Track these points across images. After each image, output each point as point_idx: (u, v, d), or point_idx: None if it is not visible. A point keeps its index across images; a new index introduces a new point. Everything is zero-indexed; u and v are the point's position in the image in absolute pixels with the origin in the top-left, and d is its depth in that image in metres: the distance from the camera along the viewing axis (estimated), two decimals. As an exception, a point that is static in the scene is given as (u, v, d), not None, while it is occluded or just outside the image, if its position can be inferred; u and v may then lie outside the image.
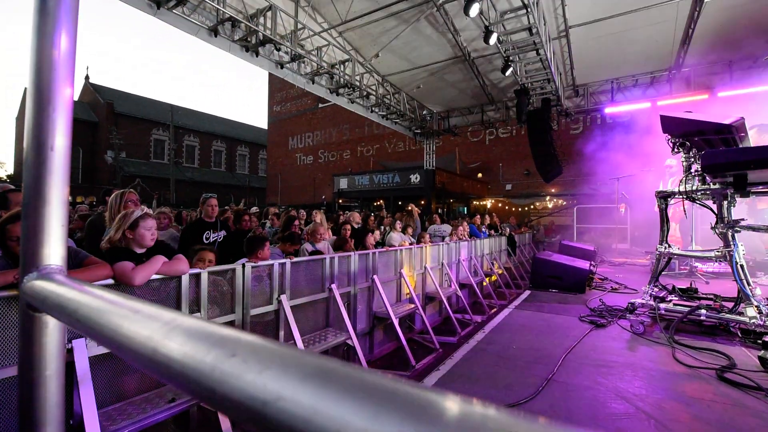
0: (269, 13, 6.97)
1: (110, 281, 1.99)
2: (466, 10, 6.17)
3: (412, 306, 4.39)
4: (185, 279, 2.37)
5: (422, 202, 14.98)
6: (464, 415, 0.16)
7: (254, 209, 8.03)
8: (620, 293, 4.93)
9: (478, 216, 9.14)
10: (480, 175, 19.80)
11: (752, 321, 2.65)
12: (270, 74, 25.73)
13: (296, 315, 3.14)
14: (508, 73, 7.93)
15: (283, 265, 3.09)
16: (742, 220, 2.92)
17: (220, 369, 0.21)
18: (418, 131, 13.65)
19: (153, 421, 1.91)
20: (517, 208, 18.52)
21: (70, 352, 1.80)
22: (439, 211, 13.88)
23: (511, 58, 7.76)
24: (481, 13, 6.30)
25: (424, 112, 13.44)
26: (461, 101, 12.29)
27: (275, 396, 0.18)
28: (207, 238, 3.50)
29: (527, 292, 5.29)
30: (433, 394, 0.16)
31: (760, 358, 2.30)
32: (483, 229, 8.78)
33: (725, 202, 2.92)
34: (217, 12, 6.54)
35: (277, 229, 4.78)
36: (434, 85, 10.92)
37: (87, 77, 29.41)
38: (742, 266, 2.94)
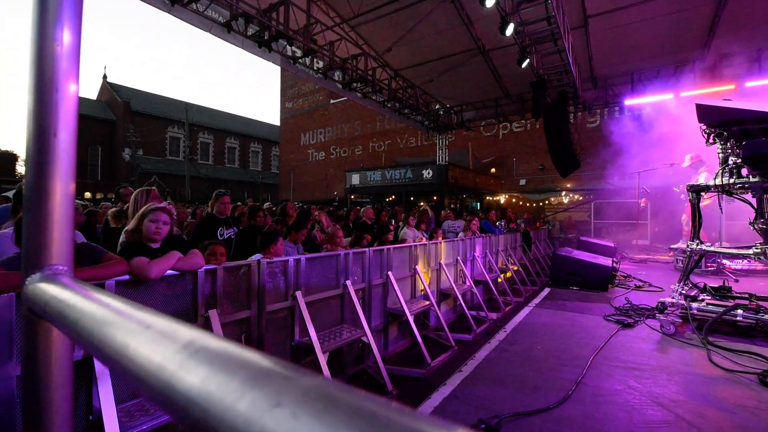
0: (282, 8, 6.93)
1: (127, 277, 1.98)
2: (482, 0, 6.01)
3: (427, 303, 4.32)
4: (201, 275, 2.35)
5: (435, 198, 14.84)
6: None
7: (267, 205, 8.06)
8: (645, 291, 4.75)
9: (493, 211, 8.98)
10: (493, 170, 19.51)
11: (794, 322, 2.49)
12: (282, 70, 25.82)
13: (311, 311, 3.10)
14: (524, 65, 7.71)
15: (298, 261, 3.06)
16: (783, 214, 2.75)
17: (258, 424, 0.15)
18: (431, 126, 13.50)
19: (168, 419, 1.89)
20: (532, 204, 18.19)
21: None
22: (452, 206, 13.71)
23: (527, 49, 7.55)
24: (497, 2, 6.12)
25: (436, 107, 13.27)
26: (475, 95, 12.08)
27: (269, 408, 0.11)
28: (221, 235, 3.49)
29: (547, 290, 5.15)
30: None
31: (804, 362, 2.16)
32: (498, 225, 8.62)
33: (766, 196, 2.75)
34: (230, 7, 6.53)
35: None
36: (447, 78, 10.74)
37: (105, 76, 30.03)
38: (781, 264, 2.77)
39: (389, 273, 4.04)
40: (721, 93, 9.10)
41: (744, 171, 2.84)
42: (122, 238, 2.35)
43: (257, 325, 2.74)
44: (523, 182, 19.10)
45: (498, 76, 10.73)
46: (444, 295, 5.07)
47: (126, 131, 25.97)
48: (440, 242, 5.23)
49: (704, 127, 2.88)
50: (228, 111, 47.18)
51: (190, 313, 2.37)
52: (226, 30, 6.64)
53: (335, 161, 25.95)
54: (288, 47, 7.80)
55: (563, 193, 17.74)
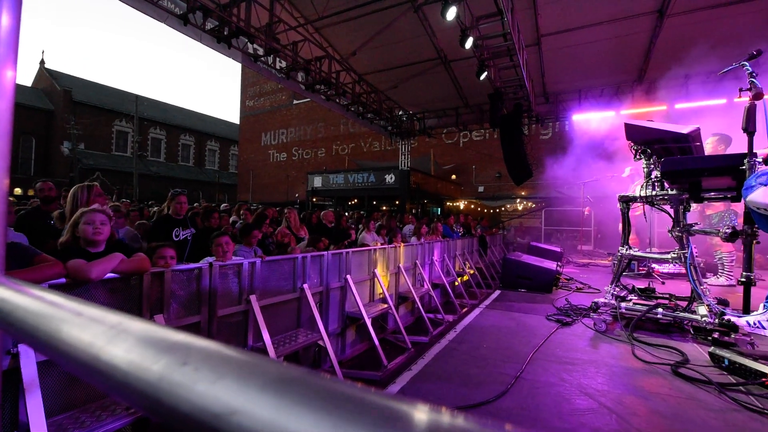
0: (243, 4, 6.77)
1: (63, 281, 1.86)
2: (443, 13, 6.24)
3: (385, 306, 4.38)
4: (147, 279, 2.25)
5: (397, 203, 15.05)
6: (433, 426, 0.14)
7: (224, 205, 7.78)
8: (584, 293, 5.14)
9: (452, 216, 9.28)
10: (454, 176, 20.13)
11: (703, 319, 2.83)
12: (243, 68, 25.03)
13: (266, 315, 3.05)
14: (482, 77, 8.08)
15: (253, 264, 3.00)
16: (696, 224, 3.12)
17: (168, 379, 0.19)
18: (394, 131, 13.70)
19: (108, 429, 1.79)
20: (489, 210, 18.97)
21: (16, 357, 1.65)
22: (414, 211, 13.98)
23: (486, 62, 7.92)
24: (458, 16, 6.38)
25: (399, 113, 13.50)
26: (437, 103, 12.44)
27: (229, 409, 0.16)
28: (176, 236, 3.35)
29: (497, 292, 5.42)
30: (402, 405, 0.15)
31: (710, 353, 2.46)
32: (456, 230, 8.93)
33: (681, 207, 3.11)
34: (187, -1, 6.28)
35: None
36: (410, 85, 10.99)
37: (42, 62, 27.49)
38: (695, 267, 3.14)
39: (348, 276, 4.06)
40: (654, 113, 10.08)
41: (666, 184, 3.19)
42: (62, 238, 2.19)
43: (208, 330, 2.66)
44: (481, 189, 19.87)
45: (459, 87, 11.14)
46: (402, 298, 5.17)
47: (66, 123, 23.86)
48: (399, 246, 5.34)
49: (632, 144, 3.21)
50: (183, 106, 44.74)
51: (134, 318, 2.26)
52: (183, 22, 6.37)
53: (297, 163, 25.51)
54: (249, 44, 7.62)
55: (518, 200, 18.67)
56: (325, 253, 3.84)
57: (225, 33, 6.81)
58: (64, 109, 25.14)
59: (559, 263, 6.54)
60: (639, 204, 3.50)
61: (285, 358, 3.05)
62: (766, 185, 2.16)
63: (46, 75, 27.04)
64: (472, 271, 7.28)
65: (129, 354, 0.22)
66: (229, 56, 7.73)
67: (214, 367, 0.19)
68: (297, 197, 21.29)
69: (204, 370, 0.18)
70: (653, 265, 6.25)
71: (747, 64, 2.69)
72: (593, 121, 11.23)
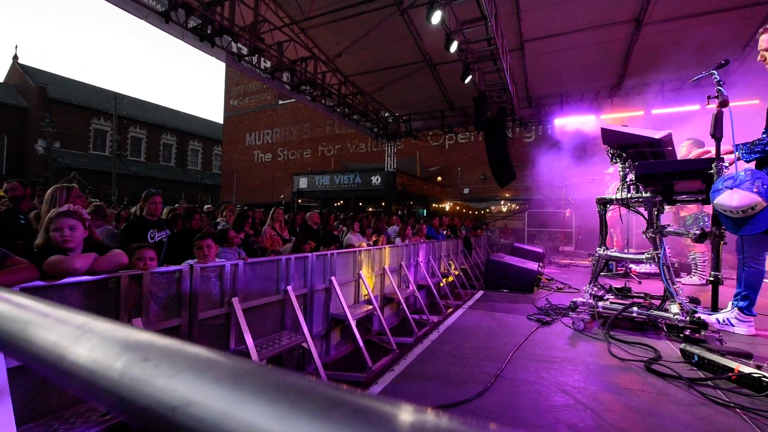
0: (227, 3, 6.69)
1: (38, 283, 1.80)
2: (428, 17, 6.31)
3: (370, 307, 4.39)
4: (124, 281, 2.21)
5: (383, 204, 15.08)
6: (370, 408, 0.16)
7: (208, 207, 7.66)
8: (565, 293, 5.26)
9: (437, 218, 9.37)
10: (440, 178, 20.30)
11: (675, 317, 2.94)
12: (227, 67, 24.67)
13: (249, 318, 3.02)
14: (467, 80, 8.19)
15: (235, 266, 2.97)
16: (669, 225, 3.25)
17: (129, 375, 0.20)
18: (380, 133, 13.74)
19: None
20: (474, 212, 19.19)
21: (-16, 364, 1.60)
22: (399, 212, 14.03)
23: (470, 66, 8.04)
24: (443, 20, 6.46)
25: (386, 114, 13.55)
26: (422, 105, 12.53)
27: (185, 401, 0.17)
28: (151, 238, 3.28)
29: (481, 293, 5.50)
30: (346, 393, 0.16)
31: (681, 350, 2.56)
32: (442, 231, 9.01)
33: (655, 209, 3.23)
34: (169, -4, 6.16)
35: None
36: (396, 88, 11.04)
37: (15, 57, 26.49)
38: (668, 267, 3.26)
39: (332, 278, 4.06)
40: (632, 118, 10.41)
41: (641, 187, 3.30)
42: (37, 240, 2.12)
43: (188, 333, 2.62)
44: (466, 191, 20.10)
45: (444, 89, 11.26)
46: (388, 300, 5.18)
47: (40, 120, 23.03)
48: (384, 248, 5.35)
49: (608, 148, 3.32)
50: (165, 105, 43.76)
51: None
52: (164, 20, 6.25)
53: (282, 164, 25.27)
54: (233, 44, 7.53)
55: (502, 202, 18.96)
56: (309, 254, 3.82)
57: (208, 31, 6.71)
58: (38, 107, 24.26)
59: (540, 264, 6.67)
60: (613, 206, 3.62)
61: (268, 361, 3.03)
62: (731, 189, 2.27)
63: (19, 71, 26.06)
64: (457, 272, 7.36)
65: (93, 353, 0.22)
66: (213, 55, 7.62)
67: (174, 362, 0.20)
68: (282, 198, 21.09)
69: (164, 366, 0.20)
70: (630, 266, 6.45)
71: (715, 72, 2.81)
72: (575, 124, 11.52)
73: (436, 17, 6.25)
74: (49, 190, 2.76)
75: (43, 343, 0.26)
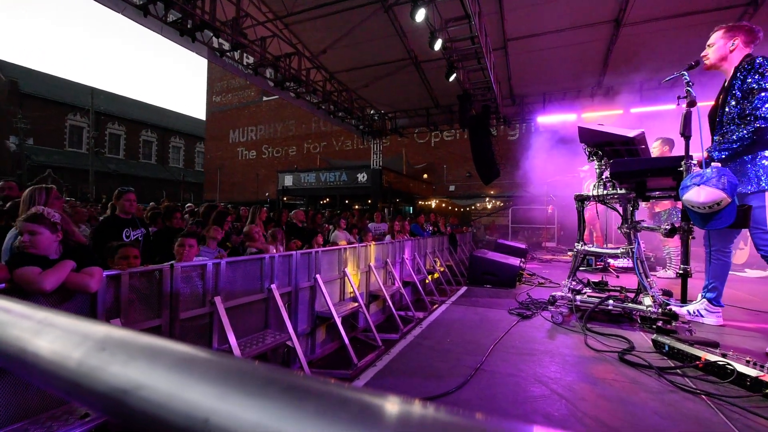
0: (208, -3, 6.57)
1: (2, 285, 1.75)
2: (412, 15, 6.33)
3: (356, 305, 4.41)
4: (102, 282, 2.16)
5: (369, 201, 15.09)
6: (321, 390, 0.17)
7: (189, 205, 7.53)
8: (546, 287, 5.39)
9: (422, 215, 9.44)
10: (426, 175, 20.41)
11: (648, 309, 3.05)
12: (210, 62, 24.17)
13: (232, 317, 3.00)
14: (451, 78, 8.26)
15: (217, 265, 2.95)
16: (643, 221, 3.37)
17: (87, 363, 0.21)
18: (366, 130, 13.71)
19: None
20: (460, 209, 19.38)
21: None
22: (385, 210, 14.07)
23: (455, 64, 8.10)
24: (427, 18, 6.49)
25: (371, 112, 13.53)
26: (408, 103, 12.57)
27: (136, 385, 0.19)
28: (127, 237, 3.21)
29: (464, 288, 5.59)
30: (280, 373, 0.18)
31: (653, 340, 2.67)
32: (427, 228, 9.09)
33: (629, 206, 3.35)
34: (147, -11, 6.01)
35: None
36: (382, 85, 11.04)
37: (-16, 49, 25.33)
38: (642, 261, 3.38)
39: (317, 276, 4.06)
40: (612, 116, 10.68)
41: (616, 183, 3.41)
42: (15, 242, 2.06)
43: (169, 333, 2.59)
44: (452, 188, 20.27)
45: (429, 87, 11.31)
46: (374, 297, 5.21)
47: (12, 116, 22.12)
48: (370, 245, 5.37)
49: (585, 147, 3.42)
50: (145, 101, 42.65)
51: (88, 323, 2.17)
52: (142, 13, 6.09)
53: (267, 161, 24.96)
54: (215, 39, 7.39)
55: (487, 199, 19.20)
56: (293, 252, 3.81)
57: (188, 26, 6.57)
58: (9, 102, 23.29)
59: (522, 260, 6.81)
60: (591, 203, 3.72)
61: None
62: (699, 185, 2.38)
63: (-12, 64, 24.95)
64: (442, 269, 7.44)
65: (53, 345, 0.24)
66: (194, 51, 7.47)
67: (129, 351, 0.21)
68: (267, 196, 20.85)
69: (120, 354, 0.21)
70: (609, 260, 6.65)
71: (686, 73, 2.92)
72: (557, 123, 11.74)
73: (420, 15, 6.27)
74: (26, 191, 2.69)
75: (4, 337, 0.27)
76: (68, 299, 2.06)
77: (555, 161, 12.37)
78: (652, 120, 8.82)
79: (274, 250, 4.42)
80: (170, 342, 0.22)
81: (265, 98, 24.77)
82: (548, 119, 11.89)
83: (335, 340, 4.22)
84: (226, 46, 7.57)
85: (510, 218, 14.83)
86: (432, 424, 0.16)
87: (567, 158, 11.28)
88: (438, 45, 7.14)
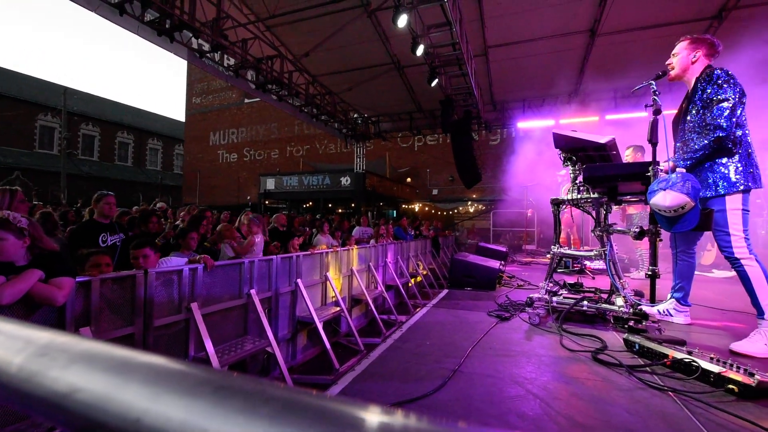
0: (187, -3, 6.46)
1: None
2: (394, 20, 6.39)
3: (338, 309, 4.40)
4: (72, 288, 2.09)
5: (352, 205, 15.06)
6: (256, 390, 0.18)
7: (160, 204, 7.34)
8: (525, 289, 5.50)
9: (405, 218, 9.50)
10: (409, 179, 20.52)
11: (620, 309, 3.16)
12: (189, 63, 23.66)
13: (210, 323, 2.95)
14: (433, 84, 8.37)
15: (194, 270, 2.89)
16: (615, 224, 3.49)
17: (27, 368, 0.22)
18: (349, 134, 13.71)
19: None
20: (443, 212, 19.56)
21: None
22: (369, 213, 14.06)
23: (437, 70, 8.22)
24: (409, 24, 6.56)
25: (354, 116, 13.54)
26: (391, 107, 12.64)
27: (74, 388, 0.19)
28: (104, 242, 3.12)
29: (445, 291, 5.65)
30: (213, 374, 0.19)
31: (624, 339, 2.76)
32: (410, 231, 9.14)
33: (602, 209, 3.47)
34: (123, -12, 5.86)
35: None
36: (365, 89, 11.08)
37: (-53, 45, 24.12)
38: (614, 263, 3.50)
39: (298, 281, 4.03)
40: (588, 123, 11.03)
41: (590, 188, 3.53)
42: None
43: (143, 341, 2.52)
44: (435, 192, 20.44)
45: (412, 92, 11.42)
46: (356, 301, 5.20)
47: (-22, 115, 21.12)
48: (352, 249, 5.37)
49: (560, 152, 3.53)
50: (121, 101, 41.40)
51: (55, 332, 2.09)
52: (118, 12, 5.93)
53: (249, 164, 24.59)
54: (194, 39, 7.27)
55: (469, 202, 19.45)
56: (273, 257, 3.78)
57: (167, 26, 6.44)
58: (-26, 100, 22.23)
59: (502, 262, 6.93)
60: (568, 206, 3.84)
61: (231, 367, 2.96)
62: (665, 190, 2.49)
63: (-49, 60, 23.75)
64: (425, 272, 7.49)
65: (-3, 350, 0.24)
66: (172, 51, 7.33)
67: (70, 355, 0.22)
68: (249, 200, 20.51)
69: (60, 359, 0.21)
70: (585, 262, 6.84)
71: (653, 83, 3.06)
72: (536, 128, 12.04)
73: (402, 20, 6.34)
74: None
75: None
76: (36, 308, 1.98)
77: (534, 166, 12.67)
78: (627, 127, 9.14)
79: (257, 239, 4.35)
80: (110, 346, 0.23)
81: (247, 100, 24.43)
82: (528, 125, 12.18)
83: (317, 346, 4.18)
84: (206, 47, 7.45)
85: (492, 222, 15.07)
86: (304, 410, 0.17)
87: (546, 163, 11.58)
88: (420, 50, 7.23)
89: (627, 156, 5.43)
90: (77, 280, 2.10)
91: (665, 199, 2.46)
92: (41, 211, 3.71)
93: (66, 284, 1.95)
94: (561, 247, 3.68)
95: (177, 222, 5.58)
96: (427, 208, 19.56)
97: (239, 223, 5.28)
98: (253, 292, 3.41)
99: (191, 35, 6.86)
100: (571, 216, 4.03)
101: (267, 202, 16.38)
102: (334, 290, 4.57)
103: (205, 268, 2.95)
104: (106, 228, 3.26)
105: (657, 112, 2.81)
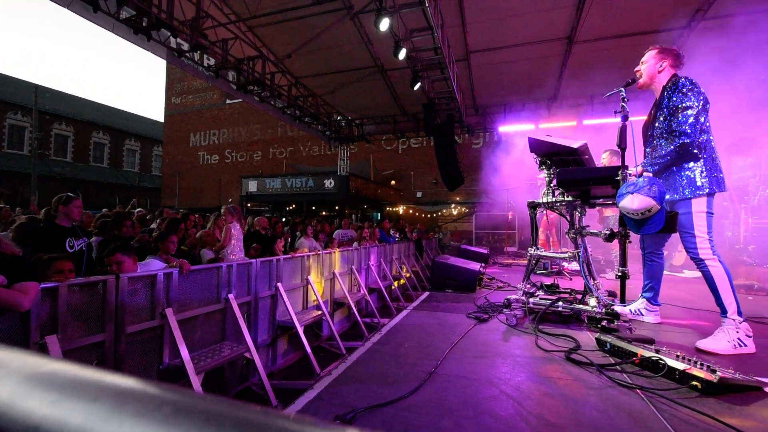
0: (165, -5, 6.33)
1: None
2: (376, 24, 6.43)
3: (319, 313, 4.37)
4: (38, 295, 2.02)
5: (336, 208, 15.00)
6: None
7: (139, 210, 7.15)
8: (504, 291, 5.59)
9: (387, 221, 9.52)
10: (393, 182, 20.59)
11: (593, 309, 3.26)
12: (168, 62, 23.12)
13: (186, 329, 2.89)
14: (416, 87, 8.44)
15: (168, 275, 2.82)
16: (587, 226, 3.60)
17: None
18: (333, 136, 13.67)
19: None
20: (427, 215, 19.70)
21: None
22: (353, 216, 14.05)
23: (419, 73, 8.29)
24: (391, 27, 6.61)
25: (338, 118, 13.51)
26: (375, 110, 12.67)
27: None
28: (70, 246, 3.01)
29: (426, 294, 5.69)
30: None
31: (596, 339, 2.84)
32: (393, 234, 9.17)
33: (576, 212, 3.58)
34: (97, -15, 5.70)
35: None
36: (348, 91, 11.08)
37: None
38: (588, 265, 3.61)
39: (278, 285, 3.99)
40: (566, 128, 11.33)
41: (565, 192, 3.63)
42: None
43: (114, 349, 2.44)
44: (419, 195, 20.57)
45: (395, 95, 11.48)
46: (339, 304, 5.17)
47: (-59, 113, 20.09)
48: (334, 252, 5.34)
49: (535, 156, 3.62)
50: (97, 100, 40.14)
51: (19, 341, 2.01)
52: (92, 9, 5.76)
53: (231, 166, 24.19)
54: (173, 39, 7.12)
55: (453, 205, 19.66)
56: (253, 261, 3.73)
57: (143, 24, 6.29)
58: (-63, 97, 21.15)
59: (483, 264, 7.02)
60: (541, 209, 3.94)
61: (208, 374, 2.90)
62: (632, 193, 2.59)
63: None
64: (408, 275, 7.52)
65: None
66: (149, 50, 7.17)
67: (25, 378, 0.21)
68: (230, 203, 20.16)
69: (9, 383, 0.21)
70: (563, 264, 7.00)
71: (623, 90, 3.18)
72: (517, 132, 12.27)
73: (384, 24, 6.38)
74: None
75: None
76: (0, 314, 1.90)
77: (515, 169, 12.91)
78: (604, 132, 9.42)
79: (234, 232, 4.29)
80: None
81: (228, 101, 24.06)
82: (509, 128, 12.41)
83: (298, 350, 4.14)
84: (185, 46, 7.32)
85: (474, 224, 15.27)
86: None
87: (526, 166, 11.81)
88: (402, 54, 7.29)
89: (603, 159, 5.61)
90: (42, 286, 2.02)
91: (633, 202, 2.56)
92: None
93: (31, 288, 1.89)
94: (538, 249, 3.77)
95: (152, 226, 5.45)
96: (411, 211, 19.66)
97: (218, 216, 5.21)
98: (231, 296, 3.36)
99: (169, 34, 6.72)
100: (547, 218, 4.13)
101: (249, 205, 16.15)
102: (315, 294, 4.53)
103: (180, 272, 2.89)
104: (71, 232, 3.14)
105: (625, 118, 2.92)
